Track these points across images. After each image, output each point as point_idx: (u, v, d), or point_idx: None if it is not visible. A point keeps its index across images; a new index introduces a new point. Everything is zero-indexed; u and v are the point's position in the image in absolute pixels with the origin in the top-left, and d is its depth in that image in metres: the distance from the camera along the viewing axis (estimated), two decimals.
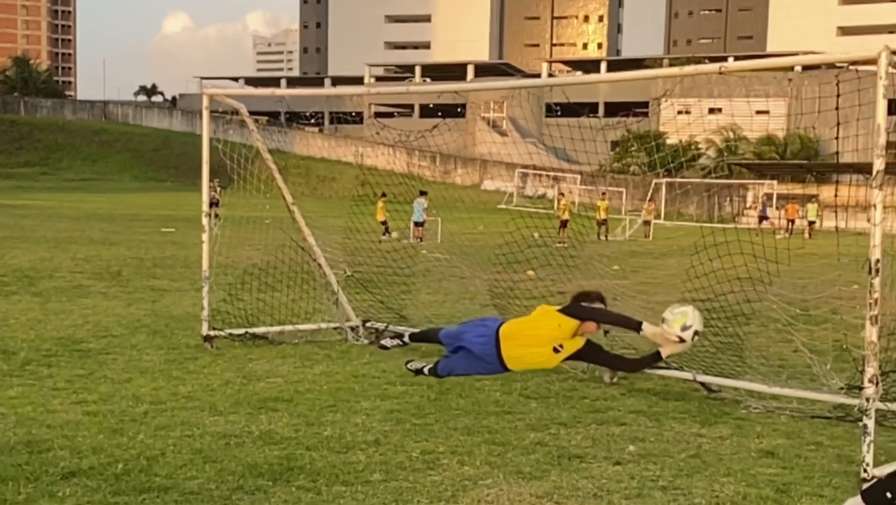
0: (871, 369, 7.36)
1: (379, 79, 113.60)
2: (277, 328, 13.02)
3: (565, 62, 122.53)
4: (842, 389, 9.39)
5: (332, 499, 6.55)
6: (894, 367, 8.95)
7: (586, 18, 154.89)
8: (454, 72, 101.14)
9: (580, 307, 6.70)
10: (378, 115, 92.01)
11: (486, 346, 6.87)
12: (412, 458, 7.52)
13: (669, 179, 56.85)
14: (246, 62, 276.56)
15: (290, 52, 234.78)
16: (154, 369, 10.67)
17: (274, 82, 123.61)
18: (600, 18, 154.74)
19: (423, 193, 36.04)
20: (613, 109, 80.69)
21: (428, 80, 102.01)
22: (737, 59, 77.87)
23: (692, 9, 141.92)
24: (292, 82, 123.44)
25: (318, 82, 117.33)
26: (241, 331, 12.66)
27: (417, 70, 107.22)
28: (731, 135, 73.70)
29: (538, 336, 6.70)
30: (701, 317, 6.58)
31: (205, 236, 12.53)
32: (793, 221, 49.66)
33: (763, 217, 52.07)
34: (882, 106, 7.28)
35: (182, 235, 31.50)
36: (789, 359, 11.94)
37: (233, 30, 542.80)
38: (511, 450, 7.82)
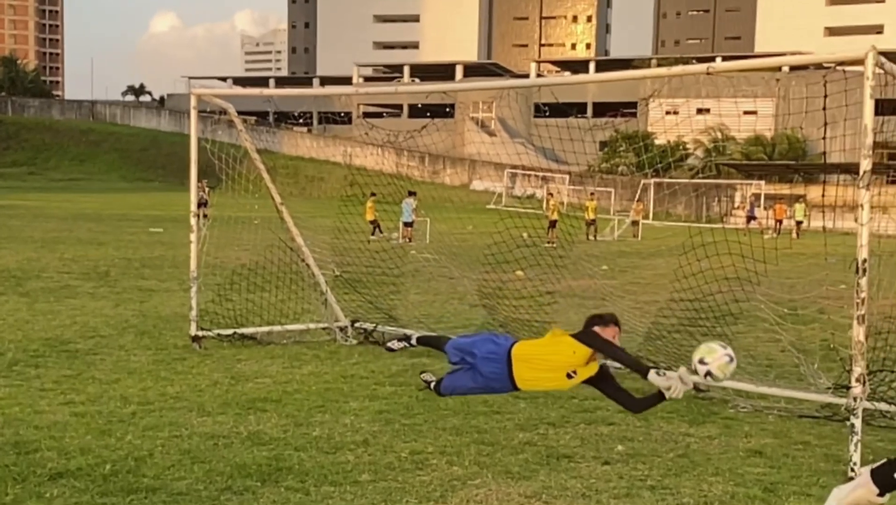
0: (858, 369, 7.39)
1: (367, 79, 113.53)
2: (266, 329, 13.00)
3: (554, 62, 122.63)
4: (829, 388, 9.43)
5: (320, 499, 6.55)
6: (881, 366, 8.99)
7: (575, 19, 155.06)
8: (443, 72, 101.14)
9: (593, 337, 6.56)
10: (367, 115, 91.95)
11: (497, 365, 6.75)
12: (401, 458, 7.52)
13: (658, 180, 56.99)
14: (234, 62, 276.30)
15: (279, 51, 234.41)
16: (142, 370, 10.64)
17: (262, 82, 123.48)
18: (589, 19, 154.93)
19: (411, 194, 36.05)
20: (602, 110, 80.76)
21: (417, 80, 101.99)
22: (724, 59, 78.19)
23: (680, 9, 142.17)
24: (281, 82, 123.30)
25: (307, 82, 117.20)
26: (230, 331, 12.64)
27: (406, 70, 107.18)
28: (719, 135, 73.91)
29: (552, 361, 6.60)
30: (726, 366, 6.31)
31: (193, 236, 12.51)
32: (780, 221, 49.82)
33: (751, 217, 52.21)
34: (869, 106, 7.30)
35: (170, 236, 31.43)
36: (777, 358, 11.98)
37: (221, 29, 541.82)
38: (500, 450, 7.82)
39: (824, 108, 8.09)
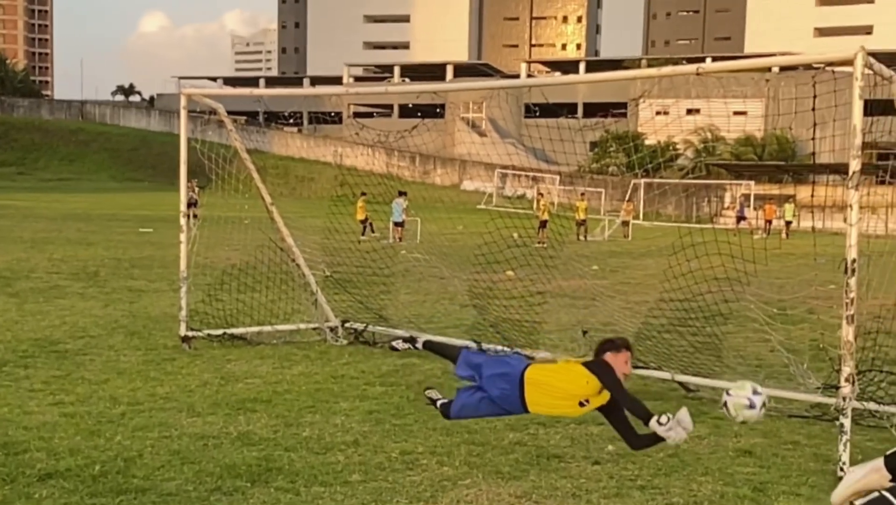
0: (847, 368, 7.41)
1: (358, 79, 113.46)
2: (256, 329, 12.98)
3: (544, 63, 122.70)
4: (819, 388, 9.45)
5: (310, 500, 6.54)
6: (870, 366, 9.02)
7: (565, 19, 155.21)
8: (433, 72, 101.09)
9: (604, 372, 6.41)
10: (357, 115, 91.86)
11: (509, 387, 6.64)
12: (391, 458, 7.51)
13: (648, 180, 57.03)
14: (224, 62, 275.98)
15: (269, 51, 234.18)
16: (131, 370, 10.62)
17: (252, 82, 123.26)
18: (579, 19, 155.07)
19: (401, 194, 36.09)
20: (592, 110, 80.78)
21: (407, 80, 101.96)
22: (714, 60, 78.22)
23: (670, 10, 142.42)
24: (271, 82, 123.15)
25: (297, 82, 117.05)
26: (220, 331, 12.62)
27: (396, 70, 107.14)
28: (709, 135, 74.11)
29: (565, 389, 6.51)
30: (741, 407, 6.09)
31: (183, 237, 12.49)
32: (770, 222, 49.95)
33: (741, 217, 52.37)
34: (858, 107, 7.32)
35: (160, 236, 31.36)
36: (766, 358, 12.00)
37: (210, 29, 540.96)
38: (490, 450, 7.82)
39: (813, 109, 8.11)
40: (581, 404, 6.53)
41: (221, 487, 6.69)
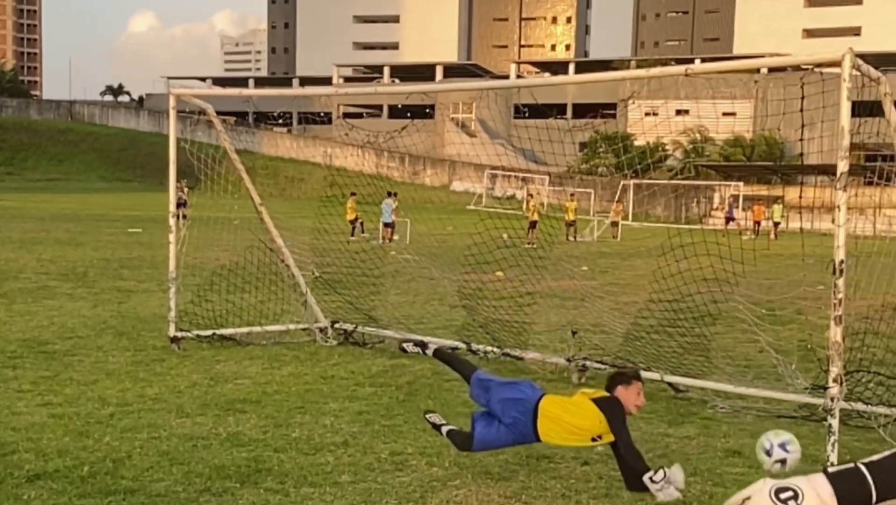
0: (835, 369, 7.44)
1: (347, 79, 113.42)
2: (245, 329, 12.96)
3: (533, 63, 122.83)
4: (807, 388, 9.48)
5: (300, 501, 6.54)
6: (858, 366, 9.05)
7: (554, 20, 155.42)
8: (423, 72, 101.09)
9: (613, 414, 6.33)
10: (347, 115, 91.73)
11: (523, 414, 6.60)
12: (381, 459, 7.51)
13: (637, 181, 57.16)
14: (213, 62, 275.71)
15: (258, 52, 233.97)
16: (120, 371, 10.60)
17: (242, 82, 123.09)
18: (568, 20, 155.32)
19: (390, 194, 36.12)
20: (582, 111, 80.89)
21: (396, 80, 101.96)
22: (703, 61, 78.50)
23: (659, 11, 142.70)
24: (260, 82, 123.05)
25: (287, 82, 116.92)
26: (209, 332, 12.60)
27: (386, 71, 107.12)
28: (698, 136, 74.30)
29: (579, 425, 6.46)
30: (760, 452, 5.98)
31: (172, 237, 12.46)
32: (759, 223, 50.09)
33: (730, 218, 52.49)
34: (846, 108, 7.35)
35: (149, 236, 31.30)
36: (755, 359, 12.03)
37: (200, 29, 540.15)
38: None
39: (802, 110, 8.13)
40: (593, 440, 6.51)
41: (210, 488, 6.69)
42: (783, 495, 2.09)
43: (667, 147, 70.31)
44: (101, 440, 7.77)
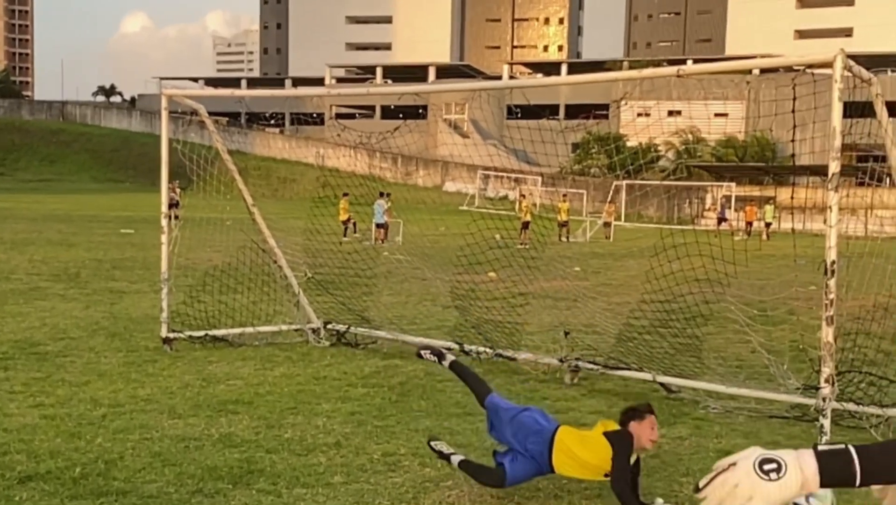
0: (827, 370, 7.46)
1: (340, 80, 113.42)
2: (238, 330, 12.95)
3: (526, 64, 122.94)
4: (799, 389, 9.50)
5: (292, 502, 6.53)
6: (850, 367, 9.07)
7: (547, 21, 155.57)
8: (415, 73, 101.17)
9: (620, 447, 6.35)
10: (339, 116, 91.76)
11: (540, 444, 6.55)
12: (373, 460, 7.51)
13: (629, 181, 57.21)
14: (206, 63, 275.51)
15: (251, 52, 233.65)
16: (112, 372, 10.58)
17: (234, 83, 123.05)
18: (561, 21, 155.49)
19: (382, 195, 36.13)
20: (574, 112, 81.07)
21: (389, 81, 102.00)
22: (695, 62, 78.62)
23: (651, 12, 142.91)
24: (253, 83, 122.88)
25: (279, 83, 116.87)
26: (201, 333, 12.58)
27: (378, 71, 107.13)
28: (690, 137, 74.39)
29: (591, 463, 6.41)
30: None
31: (164, 238, 12.45)
32: (751, 224, 50.18)
33: (722, 219, 52.56)
34: (837, 109, 7.37)
35: (141, 237, 31.25)
36: (747, 359, 12.05)
37: (192, 30, 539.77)
38: (472, 451, 7.81)
39: (793, 111, 8.15)
40: (606, 476, 6.50)
41: (203, 490, 6.68)
42: (766, 467, 2.10)
43: (659, 148, 70.38)
44: (93, 441, 7.75)
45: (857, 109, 8.06)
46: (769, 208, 51.94)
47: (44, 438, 7.77)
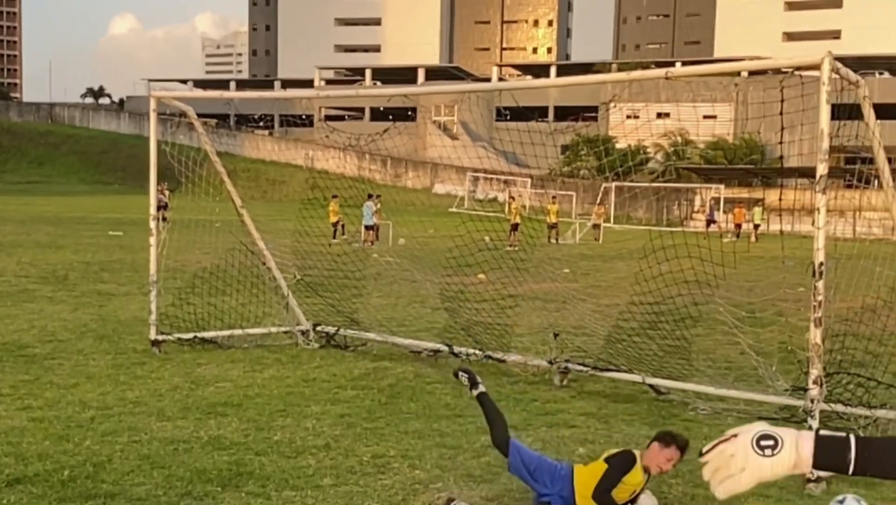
0: (815, 371, 7.48)
1: (329, 82, 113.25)
2: (227, 332, 12.92)
3: (515, 66, 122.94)
4: (787, 390, 9.53)
5: (281, 504, 6.52)
6: (838, 368, 9.10)
7: (536, 23, 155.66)
8: (404, 75, 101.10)
9: (617, 464, 6.46)
10: (328, 118, 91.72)
11: (567, 495, 6.55)
12: (363, 462, 7.50)
13: (619, 183, 57.24)
14: (195, 64, 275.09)
15: (240, 54, 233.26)
16: (101, 374, 10.55)
17: (223, 84, 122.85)
18: (550, 23, 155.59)
19: (371, 197, 36.14)
20: (563, 114, 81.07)
21: (378, 83, 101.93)
22: (684, 64, 78.75)
23: (641, 14, 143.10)
24: (241, 84, 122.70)
25: (268, 85, 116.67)
26: (190, 335, 12.56)
27: (368, 73, 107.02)
28: (679, 139, 74.53)
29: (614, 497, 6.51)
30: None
31: (153, 240, 12.42)
32: (740, 225, 50.29)
33: (711, 221, 52.64)
34: (825, 111, 7.39)
35: (130, 239, 31.17)
36: (736, 361, 12.08)
37: (181, 31, 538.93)
38: (462, 453, 7.82)
39: (781, 113, 8.18)
40: (632, 501, 6.51)
41: (192, 492, 6.66)
42: (763, 443, 2.15)
43: (648, 150, 70.50)
44: (82, 444, 7.73)
45: (844, 112, 8.08)
46: (758, 210, 52.08)
47: (32, 441, 7.74)
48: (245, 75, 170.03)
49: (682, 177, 68.94)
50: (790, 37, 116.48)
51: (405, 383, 10.58)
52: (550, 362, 10.97)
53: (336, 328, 13.12)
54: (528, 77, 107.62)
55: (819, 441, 2.32)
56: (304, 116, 72.30)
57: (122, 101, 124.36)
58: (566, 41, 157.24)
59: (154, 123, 12.34)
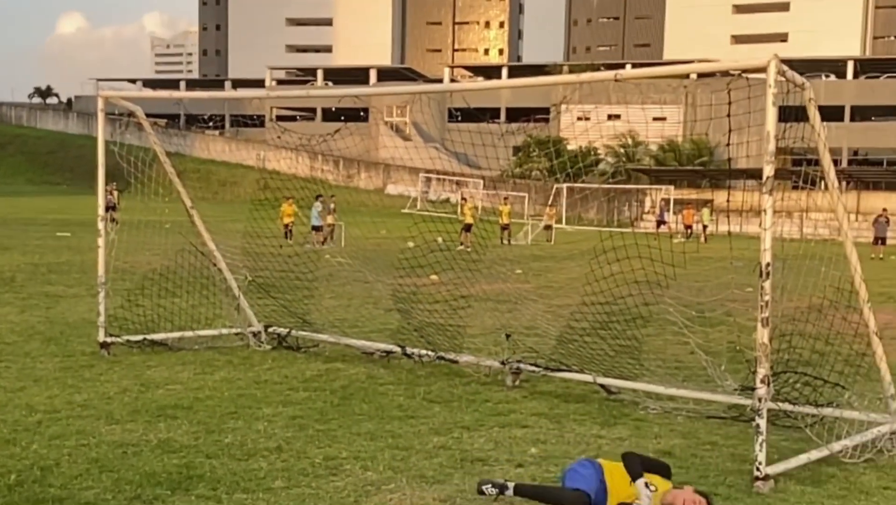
0: (762, 370, 7.56)
1: (280, 82, 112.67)
2: (177, 334, 12.82)
3: (467, 67, 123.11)
4: (736, 389, 9.64)
5: None
6: (785, 367, 9.21)
7: (487, 24, 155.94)
8: (356, 76, 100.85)
9: (629, 465, 6.59)
10: (280, 118, 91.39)
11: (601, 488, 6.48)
12: (315, 464, 7.48)
13: (570, 184, 57.59)
14: (144, 64, 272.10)
15: (190, 54, 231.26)
16: (48, 377, 10.42)
17: (173, 84, 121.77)
18: (501, 25, 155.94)
19: (318, 198, 36.12)
20: (515, 115, 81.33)
21: (330, 83, 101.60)
22: (634, 66, 79.31)
23: (591, 16, 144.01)
24: (192, 84, 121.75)
25: (219, 85, 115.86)
26: (140, 337, 12.44)
27: (319, 73, 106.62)
28: (630, 141, 75.15)
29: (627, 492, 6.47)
30: None
31: (101, 241, 12.27)
32: (690, 227, 50.79)
33: (661, 221, 53.13)
34: (771, 113, 7.48)
35: (78, 240, 30.79)
36: (686, 360, 12.20)
37: (130, 31, 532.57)
38: (414, 454, 7.83)
39: (729, 115, 8.26)
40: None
41: (141, 496, 6.60)
42: None
43: (599, 151, 70.98)
44: (29, 448, 7.63)
45: (791, 114, 8.17)
46: (706, 211, 52.65)
47: None
48: (195, 75, 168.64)
49: (632, 178, 69.54)
50: (738, 40, 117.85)
51: (357, 385, 10.57)
52: (503, 363, 11.01)
53: (288, 330, 13.07)
54: (480, 78, 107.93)
55: None
56: (255, 117, 71.89)
57: (70, 101, 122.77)
58: (518, 43, 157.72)
59: (102, 123, 12.20)
